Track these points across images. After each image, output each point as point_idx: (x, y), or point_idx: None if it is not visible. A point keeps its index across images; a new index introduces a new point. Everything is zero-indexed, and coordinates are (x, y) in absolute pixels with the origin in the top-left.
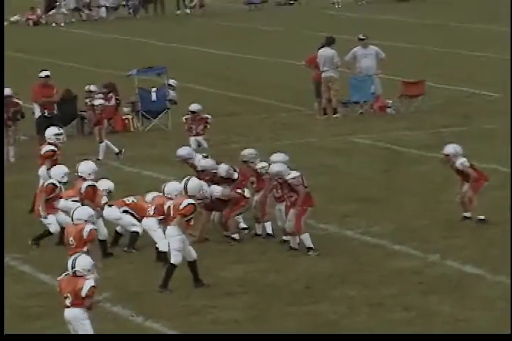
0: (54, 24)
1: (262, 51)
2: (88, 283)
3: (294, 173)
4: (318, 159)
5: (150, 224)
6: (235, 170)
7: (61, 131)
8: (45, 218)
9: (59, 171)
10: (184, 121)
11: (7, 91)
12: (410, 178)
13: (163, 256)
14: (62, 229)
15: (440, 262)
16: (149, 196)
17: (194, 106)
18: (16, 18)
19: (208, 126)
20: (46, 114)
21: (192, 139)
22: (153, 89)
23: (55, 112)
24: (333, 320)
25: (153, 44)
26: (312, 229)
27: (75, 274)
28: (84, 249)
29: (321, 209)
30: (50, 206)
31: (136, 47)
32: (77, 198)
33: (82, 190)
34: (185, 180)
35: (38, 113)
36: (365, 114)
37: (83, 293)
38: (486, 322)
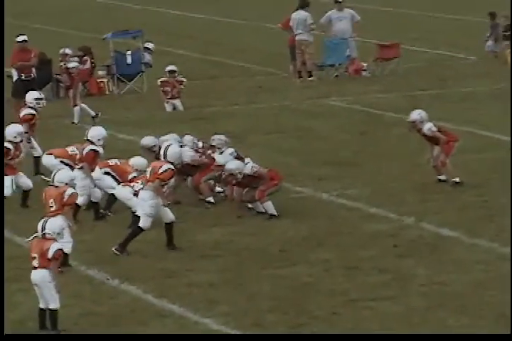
0: None
1: (239, 14)
2: (55, 246)
3: (250, 166)
4: (293, 122)
5: (124, 193)
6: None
7: (42, 95)
8: None
9: (12, 131)
10: (159, 83)
11: None
12: (386, 141)
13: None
14: (25, 191)
15: (416, 225)
16: (132, 160)
17: (171, 67)
18: None
19: (183, 87)
20: (24, 78)
21: (168, 102)
22: (128, 52)
23: (33, 76)
24: (308, 283)
25: (129, 7)
26: (288, 193)
27: (44, 236)
28: (63, 211)
29: (296, 173)
30: (8, 168)
31: (112, 10)
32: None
33: (84, 152)
34: (164, 146)
35: (15, 77)
36: (341, 76)
37: (49, 255)
38: (461, 285)
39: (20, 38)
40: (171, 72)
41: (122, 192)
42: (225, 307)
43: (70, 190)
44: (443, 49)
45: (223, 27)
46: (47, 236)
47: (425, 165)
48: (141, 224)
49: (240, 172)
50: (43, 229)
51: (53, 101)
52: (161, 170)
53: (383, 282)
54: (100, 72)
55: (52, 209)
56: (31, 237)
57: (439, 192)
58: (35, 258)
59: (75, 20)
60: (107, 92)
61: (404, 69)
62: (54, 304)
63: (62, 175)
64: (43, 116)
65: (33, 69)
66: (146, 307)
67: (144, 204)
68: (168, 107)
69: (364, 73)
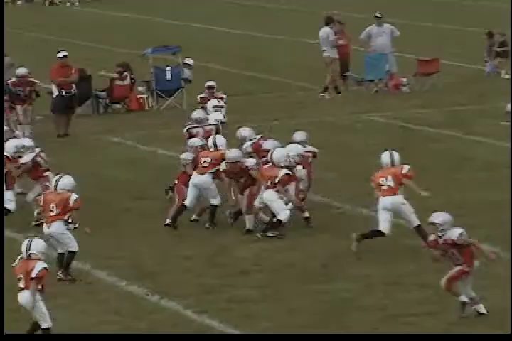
0: (68, 3)
1: (276, 30)
2: (40, 265)
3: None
4: (333, 137)
5: (270, 195)
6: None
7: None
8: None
9: (11, 144)
10: (199, 100)
11: (22, 70)
12: (425, 156)
13: (276, 225)
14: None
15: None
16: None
17: (211, 82)
18: None
19: (224, 104)
20: (63, 94)
21: None
22: (168, 68)
23: (73, 92)
24: (348, 298)
25: (168, 23)
26: (327, 208)
27: (29, 257)
28: (65, 216)
29: (335, 188)
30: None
31: (151, 26)
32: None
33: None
34: (271, 151)
35: (55, 92)
36: (380, 92)
37: (33, 274)
38: (501, 300)
39: (60, 54)
40: (210, 87)
41: (269, 194)
42: (265, 323)
43: (74, 196)
44: (482, 64)
45: (261, 42)
46: (32, 256)
47: (463, 180)
48: (283, 218)
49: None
50: (28, 249)
51: (93, 117)
52: (279, 178)
53: (423, 297)
54: (140, 88)
55: (52, 213)
56: (17, 260)
57: (478, 207)
58: (20, 279)
59: (114, 36)
60: (147, 108)
61: (444, 84)
62: (45, 323)
63: (66, 182)
64: (82, 132)
65: (73, 86)
66: (186, 322)
67: (277, 202)
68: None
69: (403, 88)
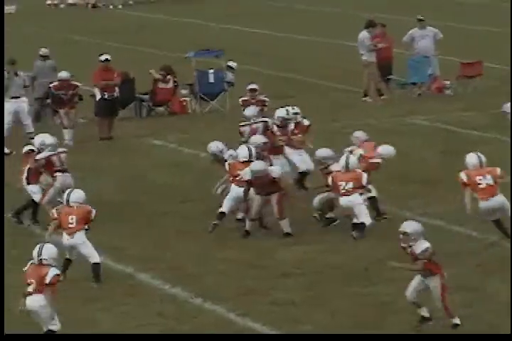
0: (111, 6)
1: (318, 32)
2: (53, 271)
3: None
4: (375, 140)
5: (356, 198)
6: None
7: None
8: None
9: (37, 139)
10: (241, 103)
11: (64, 74)
12: None
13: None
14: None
15: (499, 243)
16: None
17: (253, 85)
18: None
19: (265, 109)
20: (106, 97)
21: None
22: (211, 71)
23: (115, 95)
24: (389, 302)
25: (210, 26)
26: (372, 211)
27: (40, 262)
28: (86, 226)
29: (379, 191)
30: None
31: (193, 29)
32: None
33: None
34: (345, 155)
35: (98, 96)
36: (423, 95)
37: (47, 280)
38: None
39: (102, 57)
40: (252, 90)
41: (354, 198)
42: (307, 326)
43: (90, 208)
44: None
45: (302, 45)
46: (43, 262)
47: (509, 184)
48: (366, 221)
49: None
50: (40, 255)
51: (136, 120)
52: (363, 181)
53: (466, 300)
54: (183, 91)
55: (72, 225)
56: (28, 265)
57: None
58: (31, 284)
59: (157, 39)
60: (190, 111)
61: (487, 87)
62: (55, 326)
63: (78, 195)
64: (125, 135)
65: (116, 89)
66: (229, 325)
67: (362, 205)
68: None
69: (447, 91)
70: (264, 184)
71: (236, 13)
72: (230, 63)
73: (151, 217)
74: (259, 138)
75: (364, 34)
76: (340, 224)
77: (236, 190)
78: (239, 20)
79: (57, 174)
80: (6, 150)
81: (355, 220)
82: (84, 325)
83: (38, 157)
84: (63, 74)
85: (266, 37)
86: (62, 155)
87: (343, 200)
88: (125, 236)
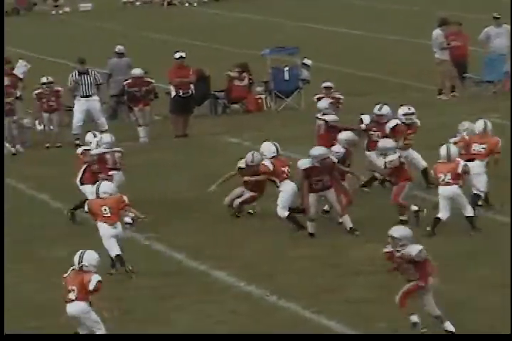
0: (187, 4)
1: (394, 31)
2: (96, 278)
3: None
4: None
5: (457, 189)
6: None
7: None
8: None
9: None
10: (316, 100)
11: (137, 71)
12: None
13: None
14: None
15: None
16: None
17: (328, 83)
18: None
19: (340, 106)
20: (181, 94)
21: None
22: (286, 69)
23: (190, 92)
24: (463, 300)
25: (285, 23)
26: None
27: (81, 269)
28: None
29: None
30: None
31: (268, 27)
32: None
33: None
34: (446, 146)
35: (173, 93)
36: (498, 93)
37: (91, 287)
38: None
39: (177, 55)
40: (327, 88)
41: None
42: (382, 324)
43: (122, 195)
44: None
45: (377, 43)
46: (84, 268)
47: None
48: (470, 213)
49: None
50: (81, 261)
51: (211, 118)
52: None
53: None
54: (258, 89)
55: (107, 215)
56: (69, 270)
57: None
58: (72, 290)
59: (232, 37)
60: (265, 109)
61: None
62: (100, 330)
63: (107, 186)
64: (200, 133)
65: (192, 86)
66: (304, 323)
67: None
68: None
69: None
70: (322, 171)
71: (311, 10)
72: (305, 61)
73: (224, 215)
74: (350, 135)
75: (437, 32)
76: (410, 220)
77: (291, 186)
78: (314, 18)
79: (113, 172)
80: (13, 150)
81: (438, 215)
82: (160, 324)
83: (92, 152)
84: (136, 71)
85: (341, 35)
86: (117, 154)
87: (443, 191)
88: (198, 234)
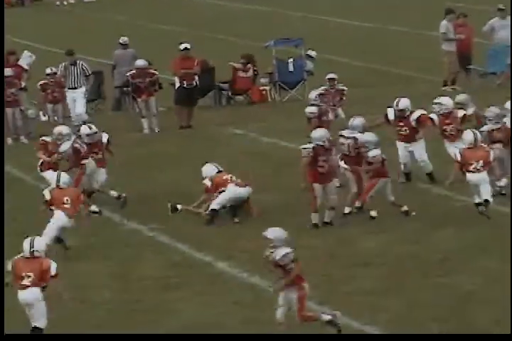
0: None
1: (400, 22)
2: (54, 263)
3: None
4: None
5: (484, 177)
6: None
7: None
8: None
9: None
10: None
11: (141, 62)
12: None
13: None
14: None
15: None
16: None
17: (332, 74)
18: None
19: (344, 98)
20: (185, 85)
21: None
22: (290, 60)
23: (195, 84)
24: (471, 292)
25: (290, 14)
26: (450, 201)
27: (32, 255)
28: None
29: (460, 181)
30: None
31: (273, 18)
32: None
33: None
34: (472, 131)
35: (178, 84)
36: (503, 84)
37: (53, 272)
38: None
39: (182, 46)
40: (331, 79)
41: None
42: (386, 315)
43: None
44: None
45: (384, 35)
46: (36, 254)
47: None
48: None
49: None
50: (32, 246)
51: (215, 109)
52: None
53: None
54: (262, 80)
55: (67, 206)
56: (16, 257)
57: None
58: (27, 276)
59: (237, 28)
60: (269, 100)
61: None
62: (40, 323)
63: (67, 178)
64: (204, 124)
65: (196, 77)
66: None
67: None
68: (330, 115)
69: None
70: (328, 151)
71: (316, 1)
72: (310, 52)
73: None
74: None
75: (443, 23)
76: (422, 214)
77: (235, 188)
78: (319, 10)
79: (86, 161)
80: (24, 140)
81: (477, 200)
82: (165, 314)
83: (61, 150)
84: (140, 63)
85: (345, 26)
86: (79, 141)
87: (472, 177)
88: (202, 225)
